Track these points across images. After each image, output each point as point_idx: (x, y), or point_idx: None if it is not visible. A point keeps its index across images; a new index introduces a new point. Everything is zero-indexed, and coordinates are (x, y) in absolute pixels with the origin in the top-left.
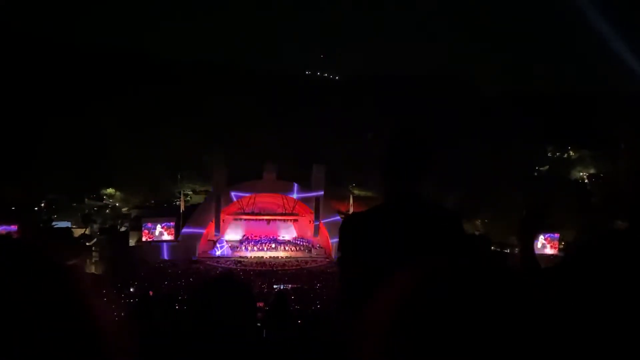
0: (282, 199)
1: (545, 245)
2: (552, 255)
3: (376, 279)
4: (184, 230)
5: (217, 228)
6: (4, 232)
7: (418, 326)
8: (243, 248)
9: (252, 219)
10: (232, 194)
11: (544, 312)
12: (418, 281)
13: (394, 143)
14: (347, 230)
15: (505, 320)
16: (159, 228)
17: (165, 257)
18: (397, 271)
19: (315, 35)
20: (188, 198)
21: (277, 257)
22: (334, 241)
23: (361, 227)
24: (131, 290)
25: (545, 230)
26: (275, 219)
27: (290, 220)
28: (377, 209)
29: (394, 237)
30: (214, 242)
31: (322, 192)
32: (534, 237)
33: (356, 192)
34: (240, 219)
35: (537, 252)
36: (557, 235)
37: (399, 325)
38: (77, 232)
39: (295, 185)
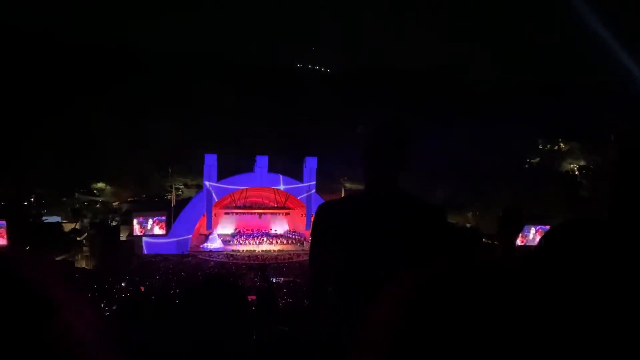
0: (274, 193)
1: (537, 237)
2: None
3: (347, 270)
4: (177, 221)
5: (209, 222)
6: None
7: (418, 332)
8: (235, 242)
9: (244, 213)
10: (214, 185)
11: (528, 307)
12: (416, 287)
13: (373, 133)
14: (321, 217)
15: (503, 324)
16: (150, 222)
17: (157, 251)
18: (393, 274)
19: (305, 28)
20: (179, 192)
21: (269, 250)
22: None
23: (335, 215)
24: (122, 285)
25: (521, 229)
26: (267, 213)
27: (282, 213)
28: (354, 198)
29: (369, 227)
30: (206, 236)
31: (313, 185)
32: (514, 237)
33: (348, 185)
34: (232, 213)
35: (528, 244)
36: (547, 227)
37: (398, 331)
38: (68, 226)
39: (287, 178)
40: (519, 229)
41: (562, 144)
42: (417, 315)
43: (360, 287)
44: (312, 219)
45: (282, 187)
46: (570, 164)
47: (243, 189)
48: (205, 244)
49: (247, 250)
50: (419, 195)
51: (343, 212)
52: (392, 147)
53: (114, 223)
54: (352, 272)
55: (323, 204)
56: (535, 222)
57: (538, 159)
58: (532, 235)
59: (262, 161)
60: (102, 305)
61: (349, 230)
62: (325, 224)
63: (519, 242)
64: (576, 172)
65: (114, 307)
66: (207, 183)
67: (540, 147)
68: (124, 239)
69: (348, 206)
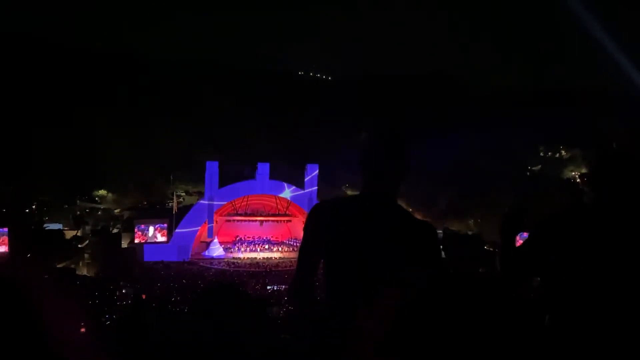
0: (275, 200)
1: None
2: None
3: (339, 270)
4: (177, 231)
5: (210, 229)
6: None
7: (410, 338)
8: (236, 249)
9: (245, 220)
10: (215, 193)
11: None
12: (409, 294)
13: (370, 140)
14: (314, 216)
15: (490, 337)
16: (151, 229)
17: (158, 258)
18: (387, 283)
19: (308, 36)
20: (181, 199)
21: (271, 257)
22: None
23: (328, 215)
24: (123, 292)
25: (523, 229)
26: (268, 220)
27: (284, 221)
28: (350, 200)
29: (363, 230)
30: (207, 244)
31: (315, 192)
32: (514, 237)
33: (349, 192)
34: (234, 220)
35: None
36: None
37: (391, 336)
38: (69, 234)
39: (289, 185)
40: (521, 228)
41: (563, 151)
42: (407, 320)
43: (352, 288)
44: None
45: (288, 194)
46: (572, 171)
47: (244, 197)
48: (206, 251)
49: (248, 258)
50: (421, 201)
51: (336, 213)
52: (391, 153)
53: (115, 230)
54: (344, 273)
55: (318, 203)
56: (522, 230)
57: (540, 166)
58: None
59: (263, 168)
60: (104, 312)
61: (340, 231)
62: (317, 222)
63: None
64: (578, 180)
65: (115, 316)
66: (208, 190)
67: (541, 154)
68: (126, 246)
69: (342, 207)
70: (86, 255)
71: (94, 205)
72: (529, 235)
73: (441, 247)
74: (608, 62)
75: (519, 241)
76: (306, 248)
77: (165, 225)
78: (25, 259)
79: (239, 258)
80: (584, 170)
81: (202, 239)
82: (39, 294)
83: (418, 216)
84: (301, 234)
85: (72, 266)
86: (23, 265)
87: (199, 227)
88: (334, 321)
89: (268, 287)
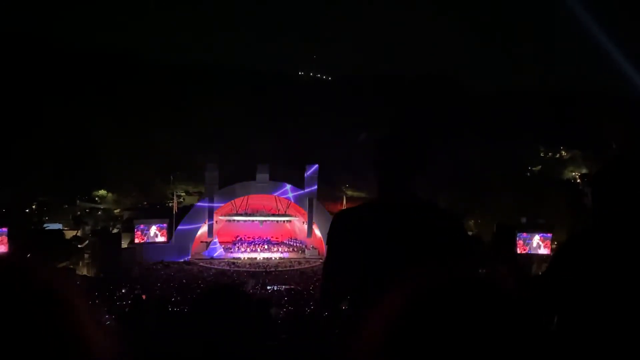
0: (275, 200)
1: (540, 245)
2: (545, 254)
3: (369, 282)
4: (179, 228)
5: (210, 229)
6: None
7: (416, 340)
8: (236, 249)
9: (245, 220)
10: (215, 193)
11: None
12: (417, 294)
13: (387, 142)
14: (338, 226)
15: (503, 337)
16: (152, 229)
17: (158, 258)
18: (395, 282)
19: (307, 36)
20: (181, 199)
21: (271, 258)
22: None
23: (354, 225)
24: (123, 292)
25: (514, 245)
26: (268, 220)
27: (284, 221)
28: (372, 207)
29: (390, 238)
30: (207, 244)
31: (315, 192)
32: (510, 250)
33: (349, 192)
34: (234, 221)
35: (531, 251)
36: (549, 235)
37: (396, 338)
38: (69, 234)
39: (288, 186)
40: (511, 245)
41: (563, 152)
42: (415, 328)
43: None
44: (314, 226)
45: (290, 194)
46: (572, 171)
47: (244, 197)
48: (206, 252)
49: (248, 258)
50: (436, 204)
51: (362, 222)
52: (410, 156)
53: (115, 230)
54: (373, 283)
55: (340, 212)
56: (538, 230)
57: (540, 166)
58: (536, 243)
59: (263, 169)
60: (104, 313)
61: (369, 240)
62: (343, 233)
63: (519, 250)
64: (578, 180)
65: (114, 316)
66: (208, 190)
67: (542, 154)
68: (126, 246)
69: (367, 216)
70: (86, 255)
71: (93, 205)
72: (549, 265)
73: (470, 236)
74: (608, 63)
75: (524, 247)
76: (333, 261)
77: (165, 225)
78: (26, 259)
79: (239, 258)
80: (584, 171)
81: (202, 239)
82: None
83: None
84: (300, 234)
85: (72, 266)
86: (24, 264)
87: (199, 227)
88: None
89: (268, 288)
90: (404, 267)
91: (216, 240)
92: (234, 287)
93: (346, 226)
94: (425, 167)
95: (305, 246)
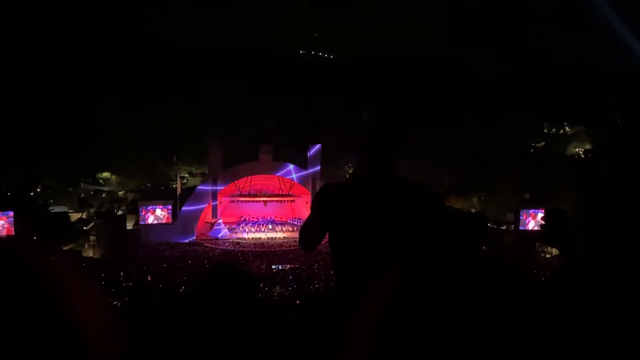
0: (278, 181)
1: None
2: (536, 230)
3: (350, 254)
4: (183, 209)
5: (214, 210)
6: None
7: (407, 326)
8: (240, 230)
9: (249, 201)
10: (219, 173)
11: (542, 314)
12: (408, 280)
13: (369, 121)
14: (322, 196)
15: (497, 321)
16: (158, 211)
17: (163, 239)
18: (386, 269)
19: (308, 14)
20: (185, 181)
21: (275, 238)
22: None
23: (337, 198)
24: (129, 273)
25: (568, 236)
26: (272, 200)
27: (287, 201)
28: (356, 183)
29: (373, 212)
30: (212, 224)
31: (318, 172)
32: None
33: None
34: (237, 201)
35: (524, 227)
36: (541, 210)
37: (388, 325)
38: (74, 216)
39: (292, 166)
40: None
41: (567, 128)
42: (412, 306)
43: (363, 271)
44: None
45: (293, 175)
46: (576, 147)
47: (248, 177)
48: (211, 232)
49: (252, 238)
50: (421, 181)
51: (346, 196)
52: (391, 133)
53: (120, 212)
54: (355, 256)
55: (326, 184)
56: (543, 207)
57: (543, 142)
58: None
59: (266, 149)
60: (110, 294)
61: (351, 214)
62: (325, 203)
63: (532, 226)
64: (582, 156)
65: (120, 298)
66: (211, 171)
67: (545, 130)
68: (130, 228)
69: (351, 190)
70: (92, 238)
71: (98, 187)
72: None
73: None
74: (612, 39)
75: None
76: (312, 222)
77: (170, 206)
78: (32, 242)
79: (244, 238)
80: (587, 147)
81: (206, 220)
82: (57, 278)
83: None
84: (304, 214)
85: (78, 249)
86: (30, 247)
87: (203, 208)
88: (341, 307)
89: (273, 267)
90: (389, 244)
91: (221, 220)
92: (237, 266)
93: (329, 198)
94: (408, 146)
95: None
